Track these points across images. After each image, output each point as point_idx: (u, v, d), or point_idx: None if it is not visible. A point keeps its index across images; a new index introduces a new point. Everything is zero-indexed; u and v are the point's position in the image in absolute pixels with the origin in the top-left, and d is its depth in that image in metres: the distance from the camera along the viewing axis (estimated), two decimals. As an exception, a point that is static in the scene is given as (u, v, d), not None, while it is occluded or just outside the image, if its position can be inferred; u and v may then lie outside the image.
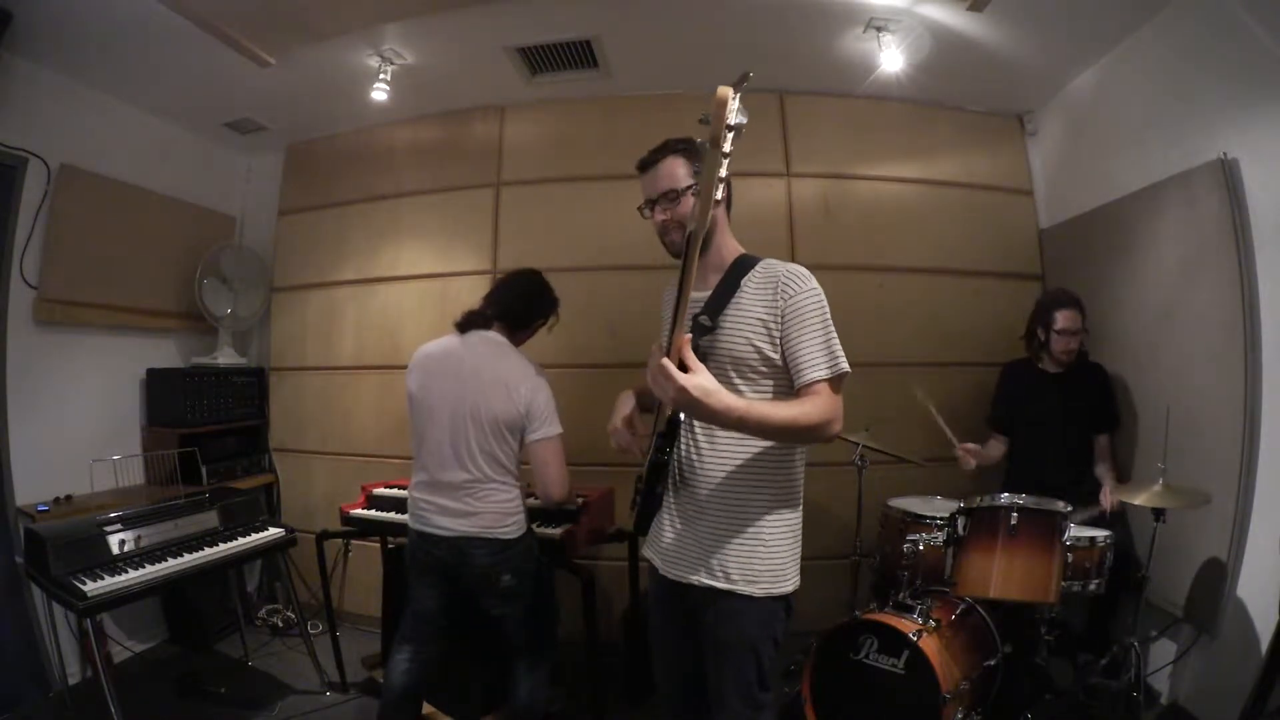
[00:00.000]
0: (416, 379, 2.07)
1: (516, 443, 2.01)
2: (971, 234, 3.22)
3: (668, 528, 1.50)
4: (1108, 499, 2.41)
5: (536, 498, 2.08)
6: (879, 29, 2.58)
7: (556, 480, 2.01)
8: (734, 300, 1.41)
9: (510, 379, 1.97)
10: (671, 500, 1.49)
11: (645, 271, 3.03)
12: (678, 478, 1.47)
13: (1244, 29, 2.12)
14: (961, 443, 2.56)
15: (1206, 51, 2.28)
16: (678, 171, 1.47)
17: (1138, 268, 2.62)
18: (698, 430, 1.44)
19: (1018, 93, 3.15)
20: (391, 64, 2.85)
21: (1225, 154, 2.21)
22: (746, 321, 1.39)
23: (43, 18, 2.39)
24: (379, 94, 2.88)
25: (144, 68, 2.79)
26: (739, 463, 1.42)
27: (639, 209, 1.53)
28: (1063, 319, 2.56)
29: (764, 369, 1.39)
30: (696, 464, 1.44)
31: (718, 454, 1.43)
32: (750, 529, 1.42)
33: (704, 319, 1.41)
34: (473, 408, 1.97)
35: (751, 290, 1.41)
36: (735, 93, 1.04)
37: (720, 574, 1.41)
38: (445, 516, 1.99)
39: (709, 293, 1.45)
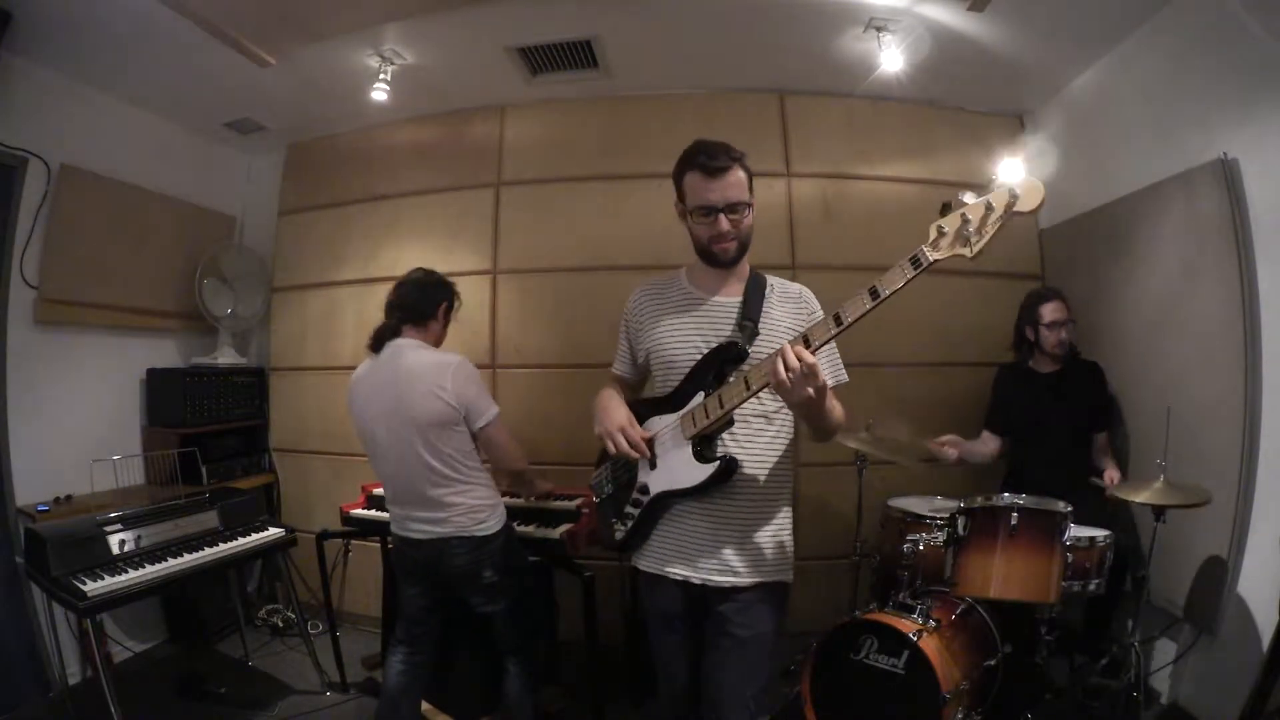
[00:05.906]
0: (355, 408, 2.10)
1: (464, 434, 2.02)
2: (971, 234, 3.21)
3: (693, 532, 1.48)
4: (1113, 476, 2.44)
5: (517, 495, 2.13)
6: (879, 29, 2.58)
7: (512, 456, 2.13)
8: (764, 311, 1.47)
9: (432, 377, 1.96)
10: (695, 505, 1.47)
11: (645, 272, 3.00)
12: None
13: (1243, 29, 2.12)
14: (935, 440, 2.58)
15: (1206, 51, 2.28)
16: (744, 182, 1.45)
17: (1138, 268, 2.61)
18: (740, 434, 1.45)
19: (1018, 93, 3.14)
20: (391, 64, 2.85)
21: (1225, 154, 2.20)
22: (783, 332, 1.45)
23: (43, 18, 2.39)
24: (379, 94, 2.88)
25: (144, 68, 2.79)
26: (772, 463, 1.50)
27: (690, 211, 1.46)
28: (1049, 311, 2.58)
29: None
30: (743, 468, 1.45)
31: (762, 455, 1.49)
32: (775, 522, 1.51)
33: (748, 324, 1.45)
34: (409, 417, 1.97)
35: (777, 303, 1.50)
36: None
37: (757, 568, 1.46)
38: (420, 522, 2.02)
39: (740, 299, 1.49)
